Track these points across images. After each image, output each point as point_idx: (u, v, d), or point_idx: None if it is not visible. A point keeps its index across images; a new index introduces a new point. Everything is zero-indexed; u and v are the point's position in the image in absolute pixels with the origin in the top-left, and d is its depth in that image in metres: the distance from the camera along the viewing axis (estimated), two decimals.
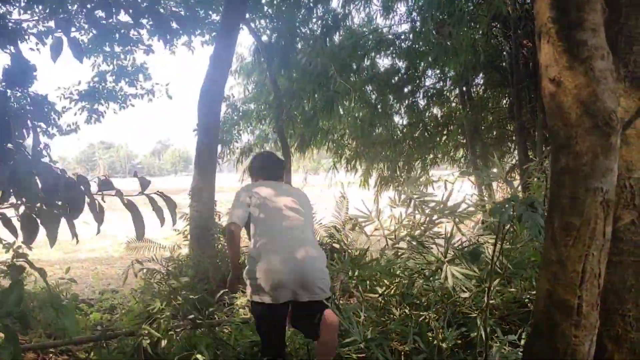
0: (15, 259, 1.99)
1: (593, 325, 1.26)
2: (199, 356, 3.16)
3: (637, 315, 1.38)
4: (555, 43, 1.21)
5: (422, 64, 8.54)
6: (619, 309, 1.38)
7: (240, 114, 9.86)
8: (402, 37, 8.53)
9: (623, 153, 1.36)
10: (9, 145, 1.70)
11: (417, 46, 8.30)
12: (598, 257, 1.23)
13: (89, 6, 5.71)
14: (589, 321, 1.25)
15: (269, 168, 3.34)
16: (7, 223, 1.74)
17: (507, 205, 2.00)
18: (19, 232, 1.70)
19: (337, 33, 8.46)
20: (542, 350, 1.31)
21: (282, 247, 2.85)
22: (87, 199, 1.71)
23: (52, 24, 7.20)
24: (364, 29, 8.67)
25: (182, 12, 8.14)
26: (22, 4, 6.31)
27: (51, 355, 4.00)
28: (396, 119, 9.71)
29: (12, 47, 2.44)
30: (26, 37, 6.91)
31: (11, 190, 1.63)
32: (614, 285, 1.37)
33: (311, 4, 8.12)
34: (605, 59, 1.21)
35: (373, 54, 8.57)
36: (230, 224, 2.97)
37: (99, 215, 1.72)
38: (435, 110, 9.68)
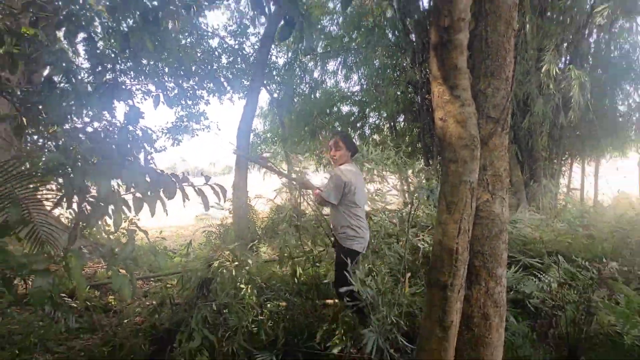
0: (129, 225, 2.59)
1: (465, 259, 1.77)
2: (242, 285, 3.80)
3: (490, 252, 1.88)
4: (441, 96, 1.72)
5: (367, 109, 11.95)
6: (479, 250, 1.88)
7: (261, 139, 13.88)
8: (355, 93, 12.02)
9: (483, 160, 1.86)
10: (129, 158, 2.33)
11: (364, 99, 11.62)
12: (467, 221, 1.73)
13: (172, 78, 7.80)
14: (463, 257, 1.75)
15: (355, 147, 3.98)
16: (125, 203, 2.35)
17: (420, 189, 2.93)
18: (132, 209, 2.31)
19: (317, 91, 11.94)
20: (435, 277, 1.80)
21: (364, 217, 3.76)
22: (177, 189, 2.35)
23: (151, 87, 11.28)
24: (333, 89, 12.08)
25: (229, 78, 12.17)
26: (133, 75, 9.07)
27: (151, 282, 5.34)
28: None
29: (129, 101, 3.09)
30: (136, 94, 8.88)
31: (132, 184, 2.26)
32: (476, 236, 1.88)
33: (302, 75, 11.90)
34: (471, 106, 1.72)
35: (338, 103, 11.91)
36: (330, 202, 3.66)
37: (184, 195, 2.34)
38: (375, 137, 12.63)
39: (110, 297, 6.26)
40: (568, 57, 9.46)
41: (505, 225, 2.04)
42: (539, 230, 4.97)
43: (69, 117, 3.26)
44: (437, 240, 1.78)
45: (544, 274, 3.59)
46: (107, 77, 4.61)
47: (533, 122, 8.70)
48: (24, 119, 3.59)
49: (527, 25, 8.66)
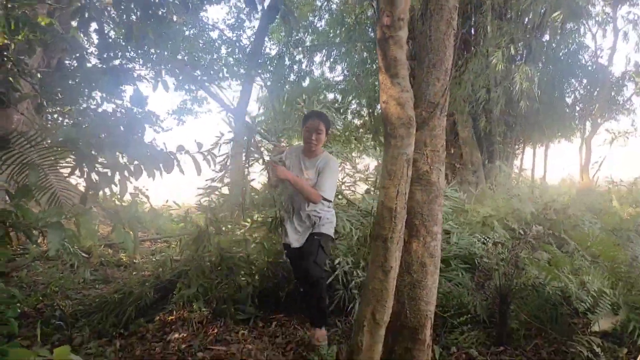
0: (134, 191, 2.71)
1: (403, 217, 1.92)
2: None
3: (427, 213, 2.04)
4: (385, 83, 1.85)
5: (349, 97, 11.90)
6: (419, 211, 2.04)
7: (255, 122, 13.50)
8: (339, 83, 12.15)
9: (423, 138, 2.00)
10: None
11: (347, 87, 11.63)
12: (404, 186, 1.88)
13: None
14: (401, 215, 1.90)
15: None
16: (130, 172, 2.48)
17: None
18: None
19: (306, 80, 11.98)
20: (378, 231, 1.95)
21: None
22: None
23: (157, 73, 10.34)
24: (320, 78, 12.25)
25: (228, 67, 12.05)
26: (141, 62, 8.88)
27: (158, 242, 5.51)
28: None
29: (134, 85, 3.18)
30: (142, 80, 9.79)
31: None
32: (417, 200, 2.04)
33: (291, 66, 11.79)
34: (409, 92, 1.85)
35: (324, 91, 11.91)
36: (328, 199, 3.02)
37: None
38: (355, 121, 12.61)
39: (121, 254, 6.42)
40: (525, 54, 9.61)
41: (440, 191, 2.19)
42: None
43: (80, 98, 3.35)
44: (380, 202, 1.93)
45: (484, 237, 3.79)
46: (115, 63, 4.66)
47: (489, 110, 8.86)
48: (43, 99, 3.67)
49: (488, 25, 8.75)
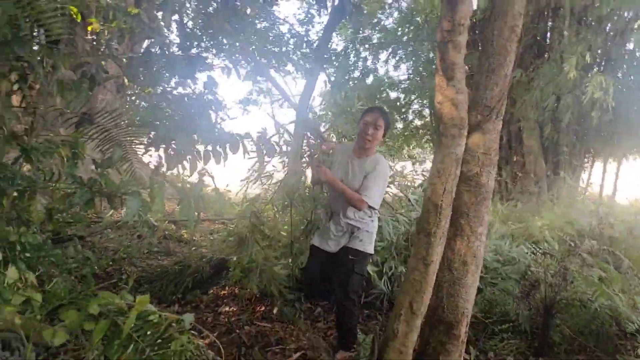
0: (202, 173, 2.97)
1: (448, 214, 2.00)
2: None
3: (474, 214, 2.09)
4: (441, 85, 1.93)
5: (412, 96, 11.94)
6: (466, 212, 2.10)
7: (318, 115, 13.58)
8: (403, 82, 12.12)
9: (477, 141, 2.06)
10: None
11: (410, 87, 11.67)
12: (451, 184, 1.96)
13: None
14: (446, 212, 1.99)
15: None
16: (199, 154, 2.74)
17: None
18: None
19: (370, 77, 11.99)
20: (422, 225, 2.03)
21: None
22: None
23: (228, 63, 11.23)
24: (384, 76, 12.19)
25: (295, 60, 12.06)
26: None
27: (216, 222, 6.11)
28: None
29: (208, 72, 3.45)
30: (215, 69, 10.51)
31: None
32: (464, 201, 2.09)
33: (357, 62, 11.83)
34: (464, 94, 1.92)
35: (387, 89, 11.93)
36: (373, 206, 2.73)
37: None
38: (417, 121, 12.79)
39: (183, 231, 6.90)
40: (603, 62, 9.09)
41: (489, 194, 2.23)
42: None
43: (160, 81, 3.68)
44: (427, 197, 2.02)
45: (535, 247, 3.73)
46: (193, 51, 5.01)
47: (558, 119, 8.48)
48: (126, 80, 4.06)
49: (565, 30, 8.36)
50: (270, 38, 11.94)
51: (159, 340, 1.34)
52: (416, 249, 2.05)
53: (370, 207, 2.68)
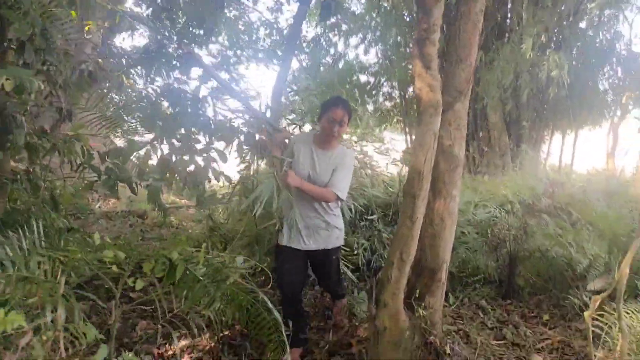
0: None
1: (428, 179, 2.46)
2: None
3: (448, 180, 2.59)
4: (420, 73, 2.38)
5: (381, 79, 12.19)
6: (442, 177, 2.59)
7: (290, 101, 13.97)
8: (372, 65, 12.29)
9: (449, 118, 2.54)
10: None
11: (380, 71, 11.90)
12: (430, 154, 2.43)
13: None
14: (427, 178, 2.46)
15: None
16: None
17: None
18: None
19: (340, 62, 12.27)
20: (408, 189, 2.48)
21: None
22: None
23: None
24: (354, 61, 12.30)
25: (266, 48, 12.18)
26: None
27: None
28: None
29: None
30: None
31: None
32: (441, 168, 2.59)
33: (327, 48, 12.18)
34: (438, 80, 2.38)
35: (358, 73, 12.20)
36: (342, 199, 2.79)
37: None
38: (387, 103, 13.02)
39: (172, 217, 7.27)
40: (559, 42, 9.79)
41: (460, 162, 2.73)
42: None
43: (158, 76, 4.00)
44: (410, 166, 2.49)
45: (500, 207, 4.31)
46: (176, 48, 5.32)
47: (518, 95, 9.16)
48: (124, 77, 4.35)
49: (523, 12, 8.98)
50: (241, 27, 12.11)
51: (219, 278, 1.77)
52: (403, 208, 2.53)
53: (338, 198, 2.73)
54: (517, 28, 9.07)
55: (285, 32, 12.17)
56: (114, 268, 1.65)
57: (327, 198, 2.71)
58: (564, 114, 10.13)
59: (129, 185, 3.09)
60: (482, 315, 3.48)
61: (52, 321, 1.45)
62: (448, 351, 2.63)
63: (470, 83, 2.72)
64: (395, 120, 12.83)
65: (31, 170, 3.04)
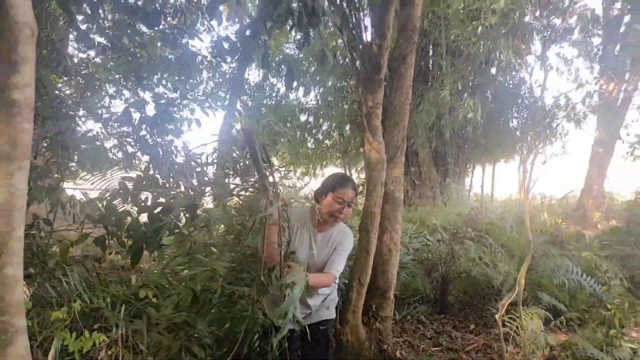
0: None
1: (378, 219, 3.18)
2: None
3: (392, 217, 3.33)
4: (368, 139, 3.13)
5: (321, 119, 13.06)
6: (387, 216, 3.32)
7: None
8: (312, 107, 13.06)
9: (390, 169, 3.32)
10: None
11: (320, 111, 12.75)
12: (380, 199, 3.15)
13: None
14: (377, 218, 3.17)
15: None
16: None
17: None
18: None
19: (282, 103, 12.76)
20: (364, 226, 3.18)
21: None
22: None
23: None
24: (295, 102, 13.10)
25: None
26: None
27: None
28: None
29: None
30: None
31: None
32: (385, 208, 3.32)
33: (270, 92, 12.79)
34: (382, 143, 3.14)
35: (299, 114, 13.04)
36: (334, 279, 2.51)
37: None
38: (326, 141, 13.84)
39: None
40: (474, 87, 11.33)
41: (401, 202, 3.51)
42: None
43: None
44: (364, 208, 3.21)
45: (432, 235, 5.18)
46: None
47: (442, 134, 10.46)
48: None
49: (443, 62, 10.38)
50: (182, 69, 12.64)
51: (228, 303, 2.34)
52: (360, 241, 3.23)
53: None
54: (438, 75, 10.46)
55: (227, 75, 12.85)
56: (153, 299, 2.18)
57: (327, 284, 2.51)
58: (481, 149, 11.61)
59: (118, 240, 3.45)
60: (422, 328, 4.23)
61: (114, 340, 1.97)
62: (399, 356, 3.32)
63: (405, 140, 3.54)
64: (334, 157, 13.81)
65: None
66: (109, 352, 1.93)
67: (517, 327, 3.37)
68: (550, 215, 9.09)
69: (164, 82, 10.66)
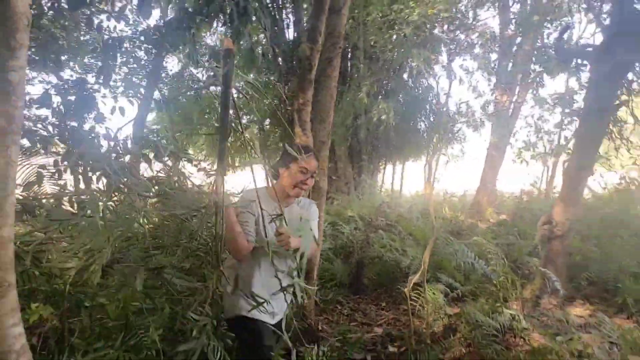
0: None
1: None
2: None
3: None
4: (299, 133, 3.45)
5: (241, 113, 12.55)
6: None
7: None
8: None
9: (320, 160, 3.67)
10: None
11: (241, 105, 11.46)
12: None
13: None
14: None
15: None
16: None
17: None
18: None
19: (201, 95, 11.91)
20: None
21: None
22: None
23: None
24: (215, 94, 11.87)
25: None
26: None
27: None
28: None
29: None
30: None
31: None
32: (311, 197, 3.65)
33: (190, 82, 12.14)
34: (310, 137, 3.48)
35: (219, 107, 12.37)
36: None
37: None
38: (246, 135, 13.39)
39: None
40: (387, 90, 12.17)
41: (325, 191, 3.87)
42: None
43: None
44: None
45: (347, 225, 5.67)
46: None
47: (358, 133, 11.14)
48: None
49: (361, 65, 11.04)
50: (97, 49, 11.89)
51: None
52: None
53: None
54: (356, 78, 11.11)
55: (142, 61, 12.36)
56: None
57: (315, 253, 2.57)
58: (393, 149, 12.51)
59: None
60: (339, 307, 4.66)
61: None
62: (320, 329, 3.69)
63: (329, 136, 3.92)
64: (253, 151, 13.92)
65: None
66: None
67: (421, 303, 3.91)
68: (450, 209, 10.16)
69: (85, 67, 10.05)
